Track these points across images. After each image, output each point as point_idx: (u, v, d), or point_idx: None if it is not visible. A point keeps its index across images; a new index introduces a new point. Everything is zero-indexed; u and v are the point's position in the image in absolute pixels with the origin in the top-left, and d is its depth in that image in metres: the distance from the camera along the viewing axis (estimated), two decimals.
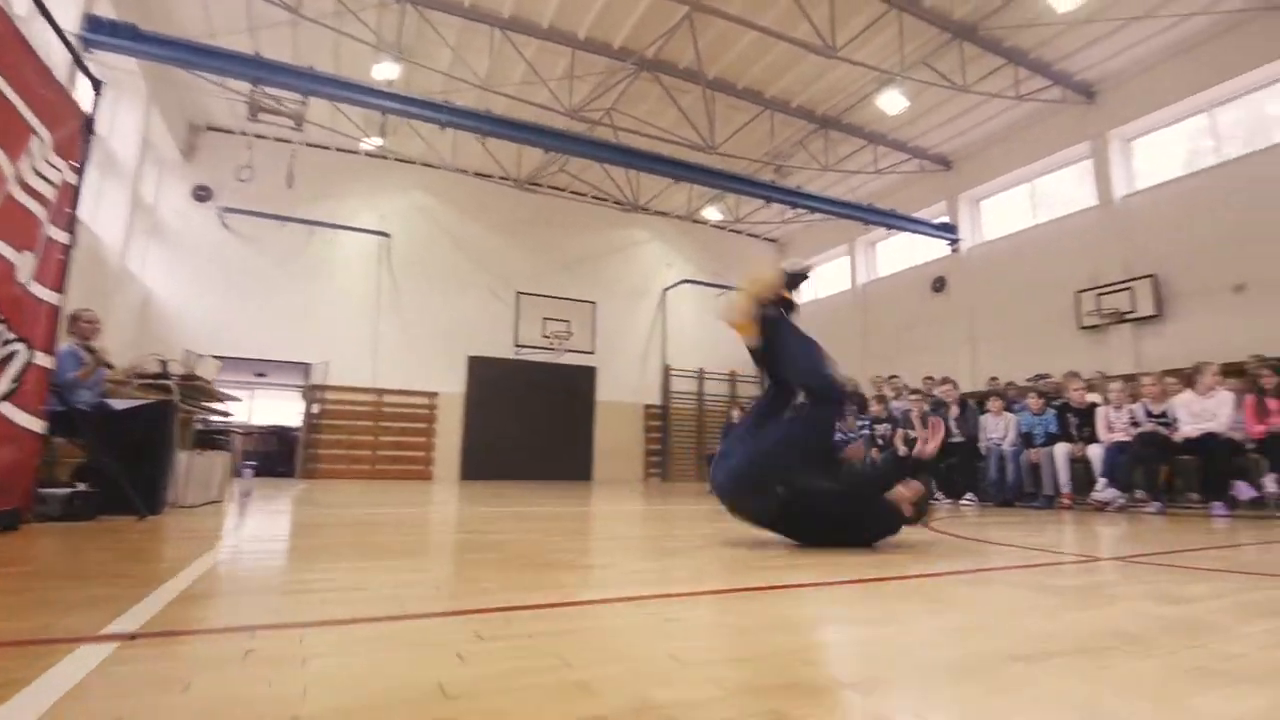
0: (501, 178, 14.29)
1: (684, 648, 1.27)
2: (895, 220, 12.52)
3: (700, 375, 16.25)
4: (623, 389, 15.34)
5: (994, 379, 9.50)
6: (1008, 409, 6.77)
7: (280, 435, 14.16)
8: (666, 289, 16.21)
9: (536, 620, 1.47)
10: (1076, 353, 10.80)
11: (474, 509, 5.07)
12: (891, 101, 11.06)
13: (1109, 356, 10.56)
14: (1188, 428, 5.40)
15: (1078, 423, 6.28)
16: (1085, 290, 11.13)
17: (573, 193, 15.20)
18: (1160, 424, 5.70)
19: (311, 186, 12.75)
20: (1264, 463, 4.91)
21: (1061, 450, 6.09)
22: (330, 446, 12.47)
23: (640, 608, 1.67)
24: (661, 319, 16.15)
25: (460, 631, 1.35)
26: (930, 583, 2.13)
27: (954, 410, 6.98)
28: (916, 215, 13.02)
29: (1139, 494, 5.50)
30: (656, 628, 1.44)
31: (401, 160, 13.74)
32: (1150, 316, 10.32)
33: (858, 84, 11.32)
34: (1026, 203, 12.85)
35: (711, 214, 15.86)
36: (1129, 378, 6.72)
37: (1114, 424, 6.07)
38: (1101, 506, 5.66)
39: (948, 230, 13.13)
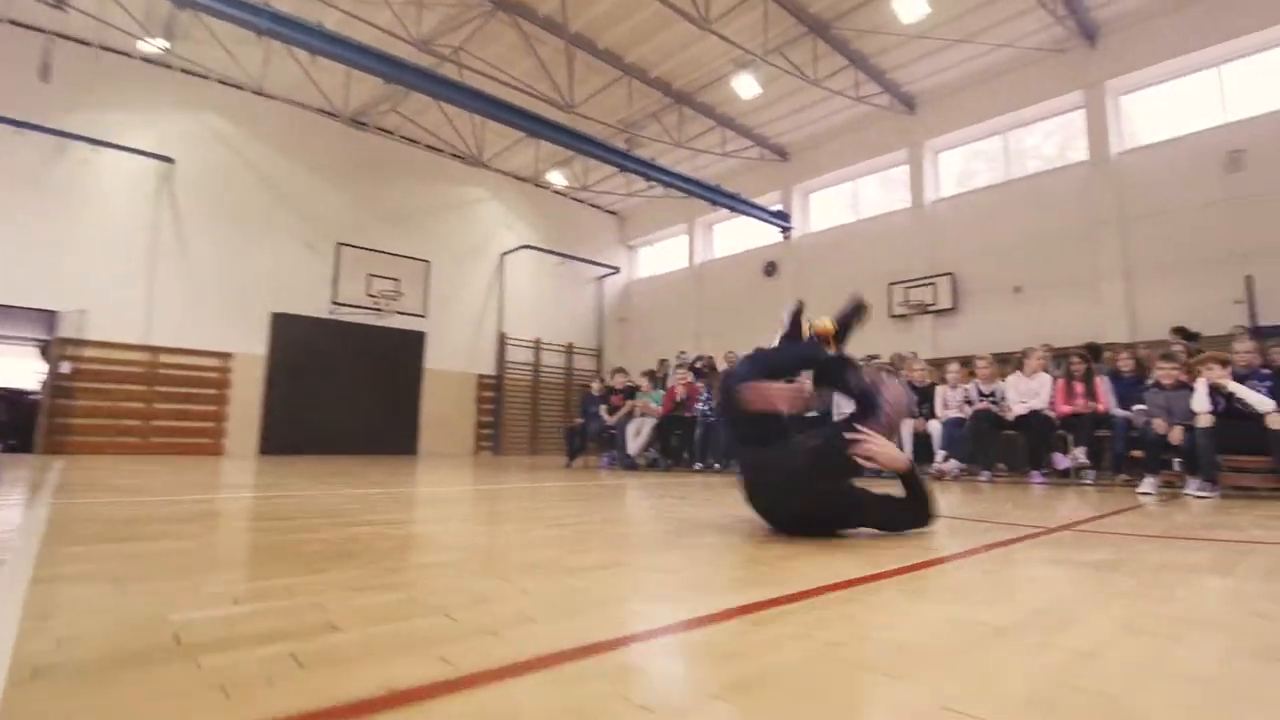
0: (323, 110, 12.46)
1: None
2: (739, 204, 12.93)
3: (537, 346, 15.71)
4: (454, 357, 14.33)
5: (868, 358, 10.19)
6: None
7: (8, 400, 11.22)
8: (505, 253, 15.38)
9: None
10: (887, 339, 11.91)
11: (326, 490, 4.23)
12: (746, 85, 11.31)
13: (913, 343, 11.82)
14: (1017, 406, 6.17)
15: (918, 400, 6.91)
16: (896, 283, 12.38)
17: (405, 138, 13.74)
18: (990, 402, 6.45)
19: (70, 89, 10.10)
20: (1070, 438, 5.73)
21: (907, 424, 6.66)
22: (86, 415, 10.11)
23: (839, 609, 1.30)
24: (499, 284, 15.31)
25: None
26: (976, 561, 2.01)
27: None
28: (755, 201, 13.56)
29: (970, 465, 6.16)
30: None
31: (193, 73, 11.38)
32: (948, 309, 11.75)
33: (717, 62, 11.42)
34: (850, 199, 13.99)
35: (556, 179, 15.28)
36: (965, 360, 7.53)
37: (949, 402, 6.76)
38: (940, 476, 6.26)
39: (782, 218, 13.86)
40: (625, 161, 11.51)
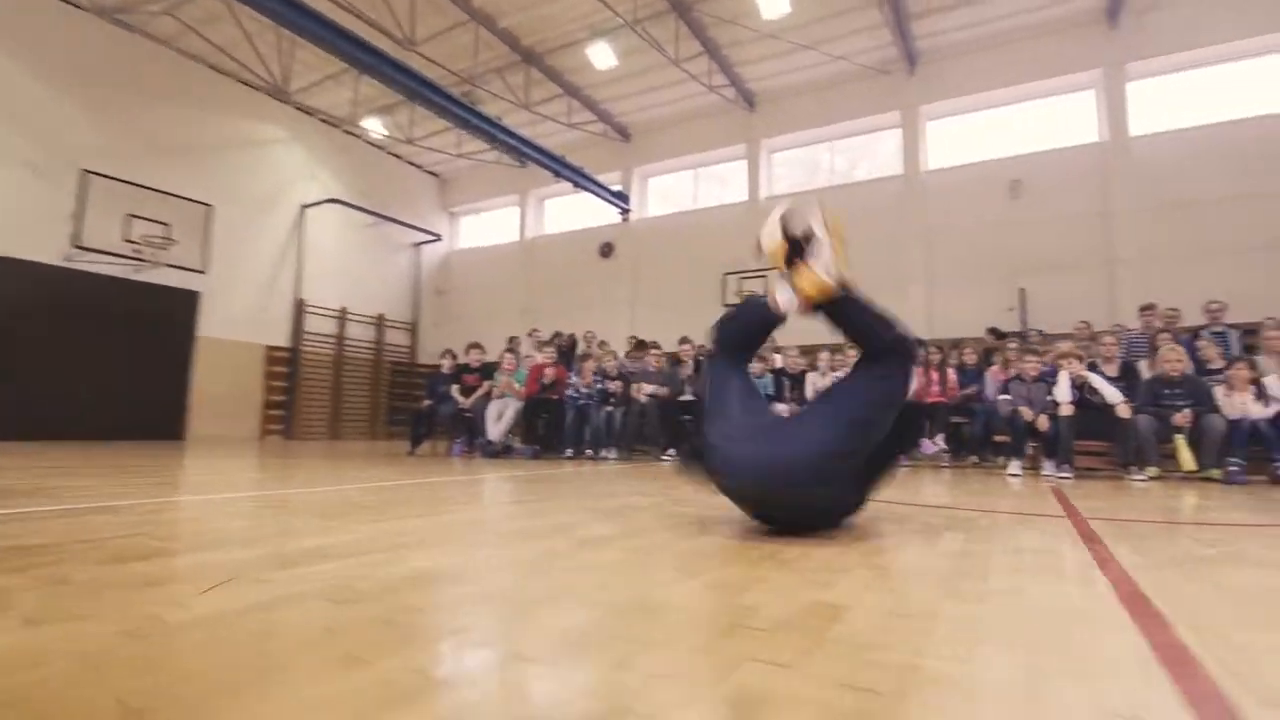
0: None
1: None
2: (584, 179, 12.44)
3: (342, 315, 13.82)
4: (239, 323, 12.03)
5: (686, 338, 10.19)
6: None
7: None
8: (307, 206, 13.25)
9: None
10: None
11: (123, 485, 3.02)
12: (602, 54, 10.85)
13: None
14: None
15: (790, 385, 7.08)
16: (731, 273, 12.81)
17: (181, 50, 11.12)
18: None
19: None
20: (931, 425, 6.23)
21: (782, 410, 6.78)
22: None
23: None
24: (298, 241, 13.15)
25: None
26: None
27: (688, 368, 7.16)
28: (597, 179, 13.17)
29: None
30: None
31: None
32: None
33: (572, 25, 10.79)
34: (689, 186, 14.20)
35: (375, 127, 13.47)
36: (835, 348, 7.86)
37: (819, 387, 7.01)
38: None
39: (622, 199, 13.64)
40: (470, 117, 10.41)
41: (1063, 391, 4.97)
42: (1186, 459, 4.64)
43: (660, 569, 1.63)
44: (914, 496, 3.66)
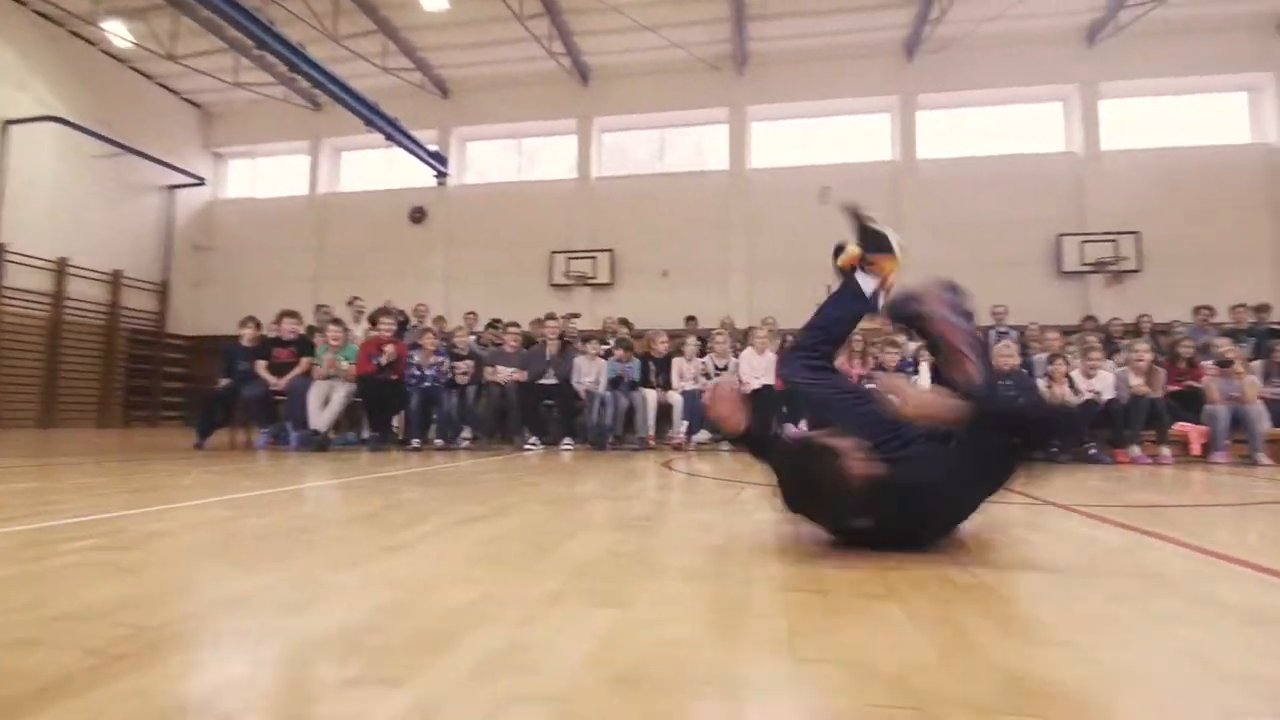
0: None
1: None
2: (400, 133, 11.01)
3: (62, 269, 10.78)
4: None
5: (569, 315, 9.52)
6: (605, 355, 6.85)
7: None
8: (12, 122, 10.06)
9: None
10: (547, 305, 11.72)
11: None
12: None
13: (570, 310, 11.96)
14: (753, 381, 6.64)
15: (656, 370, 6.88)
16: (559, 252, 12.35)
17: None
18: (719, 373, 6.82)
19: None
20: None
21: (652, 396, 6.55)
22: None
23: None
24: None
25: None
26: None
27: (552, 347, 6.58)
28: (413, 134, 11.81)
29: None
30: None
31: None
32: (606, 284, 12.22)
33: None
34: (514, 156, 13.39)
35: (119, 32, 10.62)
36: (703, 336, 7.77)
37: (685, 374, 6.90)
38: (679, 446, 6.34)
39: (440, 161, 12.41)
40: (265, 36, 8.58)
41: (926, 381, 5.42)
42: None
43: None
44: None
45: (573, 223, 12.50)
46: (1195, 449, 5.41)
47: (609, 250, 12.23)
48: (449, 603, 1.18)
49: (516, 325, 6.85)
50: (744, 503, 2.80)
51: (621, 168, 12.87)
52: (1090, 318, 9.31)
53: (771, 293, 11.50)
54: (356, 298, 7.64)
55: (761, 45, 11.53)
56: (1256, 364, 6.34)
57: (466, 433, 6.34)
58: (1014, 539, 2.02)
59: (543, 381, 6.44)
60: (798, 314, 10.03)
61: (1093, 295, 10.71)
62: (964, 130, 11.78)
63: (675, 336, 7.54)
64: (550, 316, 6.72)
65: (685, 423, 6.42)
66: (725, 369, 6.73)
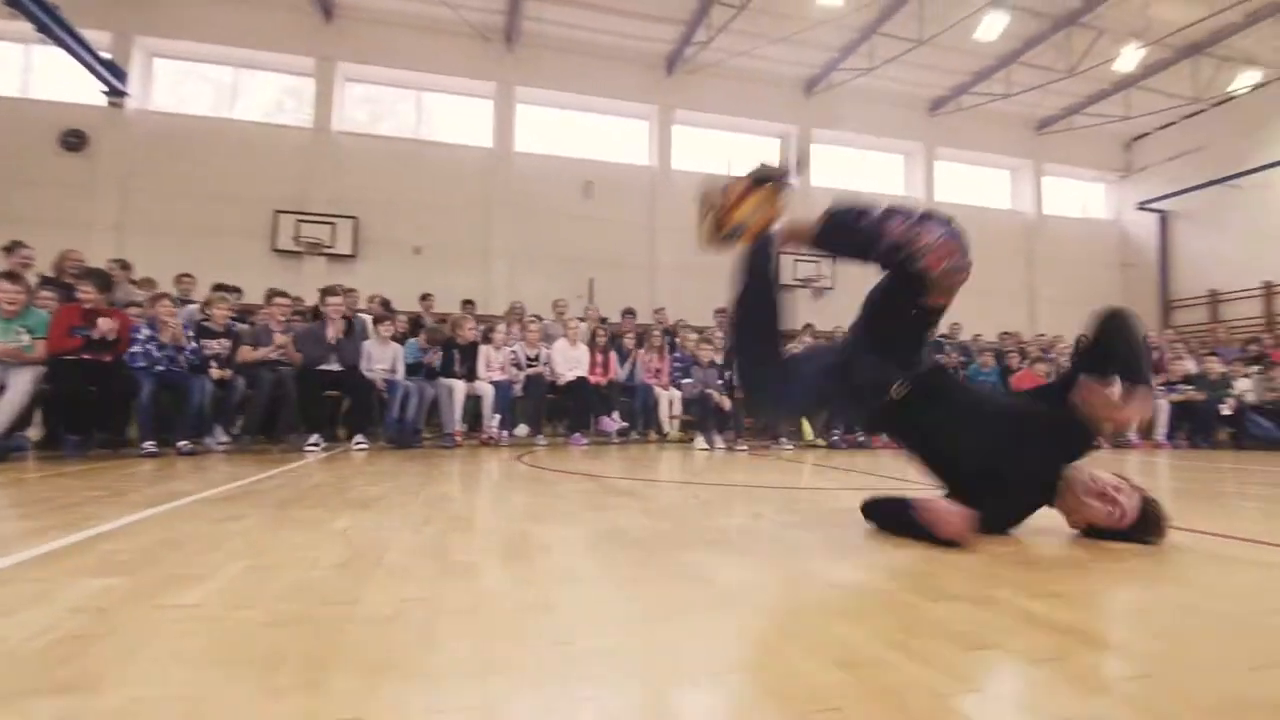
0: None
1: None
2: (61, 27, 8.11)
3: None
4: None
5: (374, 297, 7.82)
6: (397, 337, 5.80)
7: None
8: None
9: None
10: (267, 273, 9.83)
11: None
12: None
13: (299, 283, 10.21)
14: (568, 372, 6.31)
15: (461, 358, 6.13)
16: (287, 212, 10.45)
17: None
18: (532, 365, 6.38)
19: None
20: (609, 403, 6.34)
21: (460, 386, 5.81)
22: None
23: None
24: None
25: None
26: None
27: (335, 328, 5.40)
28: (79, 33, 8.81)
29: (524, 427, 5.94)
30: None
31: None
32: (346, 255, 10.69)
33: None
34: (228, 90, 10.88)
35: None
36: (512, 322, 7.00)
37: (492, 363, 6.28)
38: (491, 441, 5.79)
39: (117, 75, 9.52)
40: None
41: (737, 377, 5.80)
42: (808, 432, 6.05)
43: None
44: (755, 478, 3.70)
45: (308, 180, 10.67)
46: None
47: (352, 218, 10.71)
48: None
49: (285, 296, 5.53)
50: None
51: (371, 126, 11.37)
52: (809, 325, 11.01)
53: (534, 281, 11.26)
54: (19, 243, 5.30)
55: (536, 25, 11.18)
56: None
57: (221, 434, 4.91)
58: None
59: (325, 368, 5.31)
60: (548, 305, 9.96)
61: (803, 305, 12.69)
62: (709, 149, 12.96)
63: (485, 320, 6.86)
64: (332, 291, 5.54)
65: (498, 416, 5.89)
66: (536, 359, 6.36)
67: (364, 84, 11.37)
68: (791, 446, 6.02)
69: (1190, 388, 7.21)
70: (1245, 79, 11.17)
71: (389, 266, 10.81)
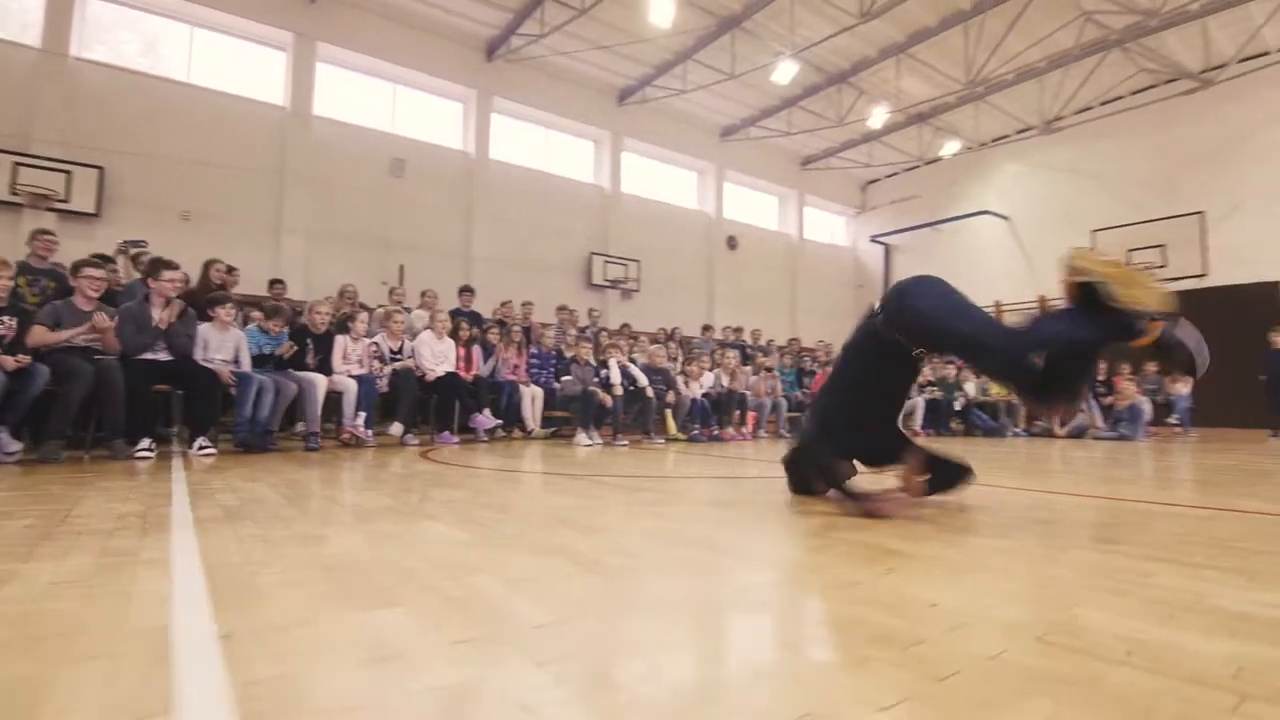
0: None
1: None
2: None
3: None
4: None
5: (217, 266, 5.93)
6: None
7: None
8: None
9: None
10: None
11: None
12: None
13: (16, 243, 8.06)
14: (438, 367, 5.81)
15: (314, 347, 5.32)
16: (3, 151, 8.10)
17: None
18: (395, 359, 5.78)
19: None
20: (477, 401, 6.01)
21: (322, 381, 5.04)
22: None
23: None
24: None
25: None
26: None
27: (171, 310, 4.32)
28: None
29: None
30: None
31: None
32: (88, 214, 8.63)
33: None
34: None
35: None
36: (370, 309, 6.03)
37: (350, 355, 5.56)
38: (353, 441, 5.18)
39: None
40: None
41: (616, 375, 5.96)
42: (671, 427, 6.43)
43: None
44: (656, 469, 3.92)
45: (33, 114, 8.35)
46: (750, 430, 7.59)
47: (97, 168, 8.66)
48: None
49: (100, 261, 4.35)
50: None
51: (122, 57, 9.24)
52: (625, 325, 11.55)
53: (335, 263, 10.21)
54: None
55: None
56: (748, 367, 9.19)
57: (8, 440, 3.70)
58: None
59: (155, 357, 4.32)
60: (366, 291, 9.21)
61: (610, 305, 13.21)
62: (527, 142, 12.85)
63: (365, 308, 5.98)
64: (167, 264, 4.43)
65: (363, 414, 5.29)
66: (399, 352, 5.83)
67: (112, 4, 9.19)
68: (663, 441, 6.37)
69: (934, 388, 9.16)
70: (950, 147, 14.30)
71: (146, 231, 8.77)
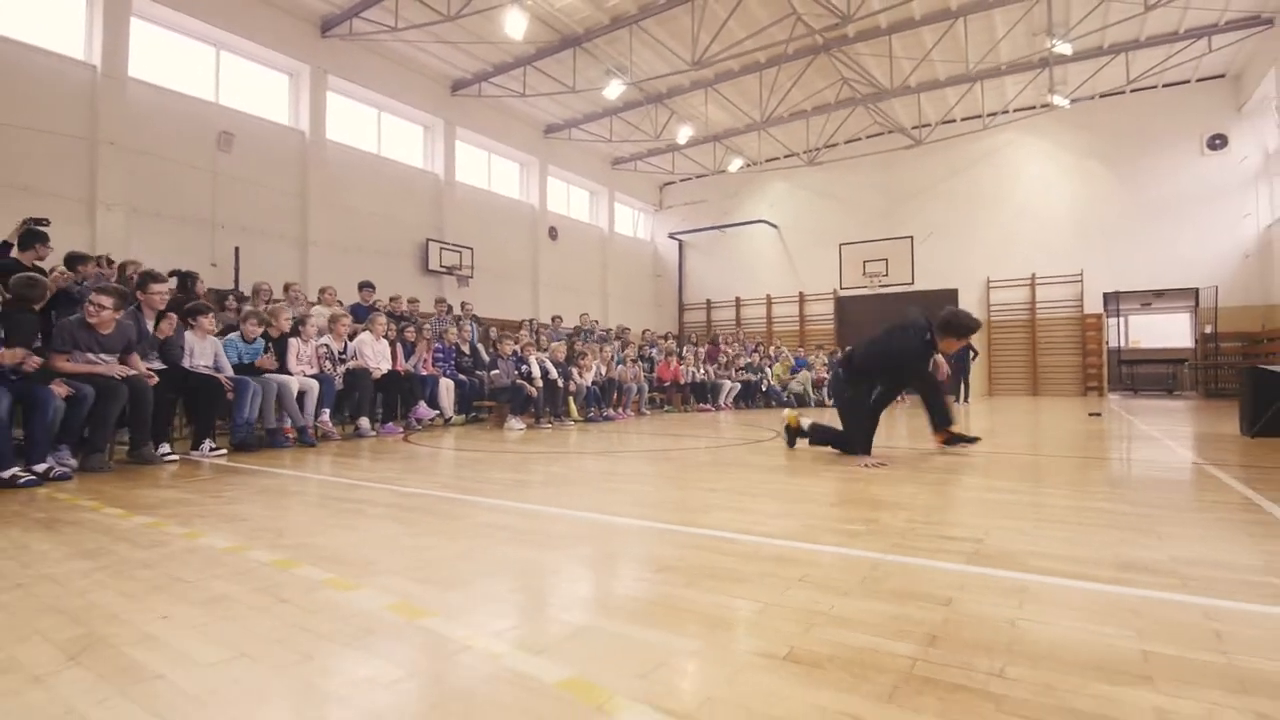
0: None
1: None
2: None
3: None
4: None
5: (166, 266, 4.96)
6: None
7: None
8: None
9: None
10: None
11: None
12: None
13: None
14: (381, 365, 6.22)
15: (274, 347, 5.49)
16: None
17: None
18: (342, 359, 6.11)
19: None
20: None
21: (295, 381, 5.28)
22: None
23: None
24: None
25: None
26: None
27: (168, 322, 4.31)
28: None
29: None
30: None
31: None
32: None
33: None
34: None
35: None
36: (332, 320, 5.92)
37: (303, 355, 5.79)
38: (304, 437, 5.57)
39: None
40: None
41: (536, 370, 7.00)
42: (574, 410, 7.61)
43: None
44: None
45: None
46: (629, 410, 9.09)
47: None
48: None
49: (112, 289, 4.26)
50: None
51: None
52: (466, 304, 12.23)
53: (159, 242, 9.51)
54: None
55: None
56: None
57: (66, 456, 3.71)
58: None
59: (153, 366, 4.47)
60: (187, 268, 8.92)
61: (447, 291, 13.68)
62: (360, 123, 12.65)
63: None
64: (155, 276, 4.37)
65: (326, 410, 5.72)
66: (345, 353, 6.23)
67: None
68: (572, 423, 7.53)
69: (744, 371, 11.56)
70: (736, 163, 17.06)
71: None
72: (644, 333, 13.32)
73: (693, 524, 2.38)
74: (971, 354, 12.06)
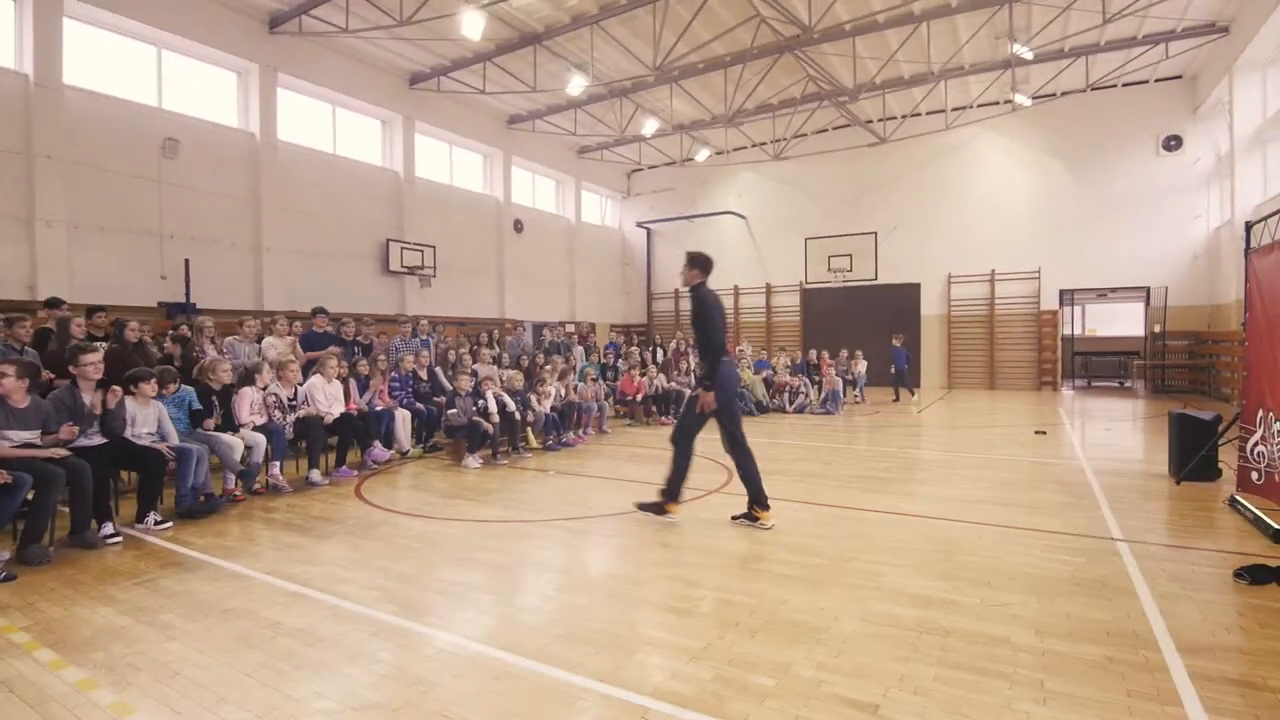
0: None
1: None
2: None
3: None
4: None
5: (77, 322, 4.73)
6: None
7: None
8: None
9: None
10: None
11: None
12: None
13: None
14: (333, 408, 6.18)
15: (219, 404, 5.42)
16: None
17: None
18: (292, 406, 6.06)
19: None
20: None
21: (238, 443, 5.24)
22: None
23: None
24: None
25: None
26: None
27: (106, 395, 4.21)
28: None
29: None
30: None
31: None
32: None
33: None
34: None
35: None
36: (279, 367, 5.81)
37: (255, 404, 5.72)
38: (261, 489, 5.57)
39: None
40: None
41: (493, 405, 7.02)
42: (532, 439, 7.68)
43: None
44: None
45: None
46: (589, 431, 9.16)
47: None
48: None
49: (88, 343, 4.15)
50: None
51: None
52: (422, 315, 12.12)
53: (104, 259, 9.33)
54: None
55: None
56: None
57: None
58: None
59: (86, 444, 4.41)
60: (138, 288, 8.73)
61: (409, 292, 13.51)
62: (314, 121, 12.26)
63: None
64: (85, 348, 4.25)
65: (277, 463, 5.70)
66: (295, 399, 6.17)
67: None
68: (529, 454, 7.57)
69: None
70: (703, 153, 16.89)
71: None
72: (611, 336, 13.34)
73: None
74: (905, 359, 12.56)
